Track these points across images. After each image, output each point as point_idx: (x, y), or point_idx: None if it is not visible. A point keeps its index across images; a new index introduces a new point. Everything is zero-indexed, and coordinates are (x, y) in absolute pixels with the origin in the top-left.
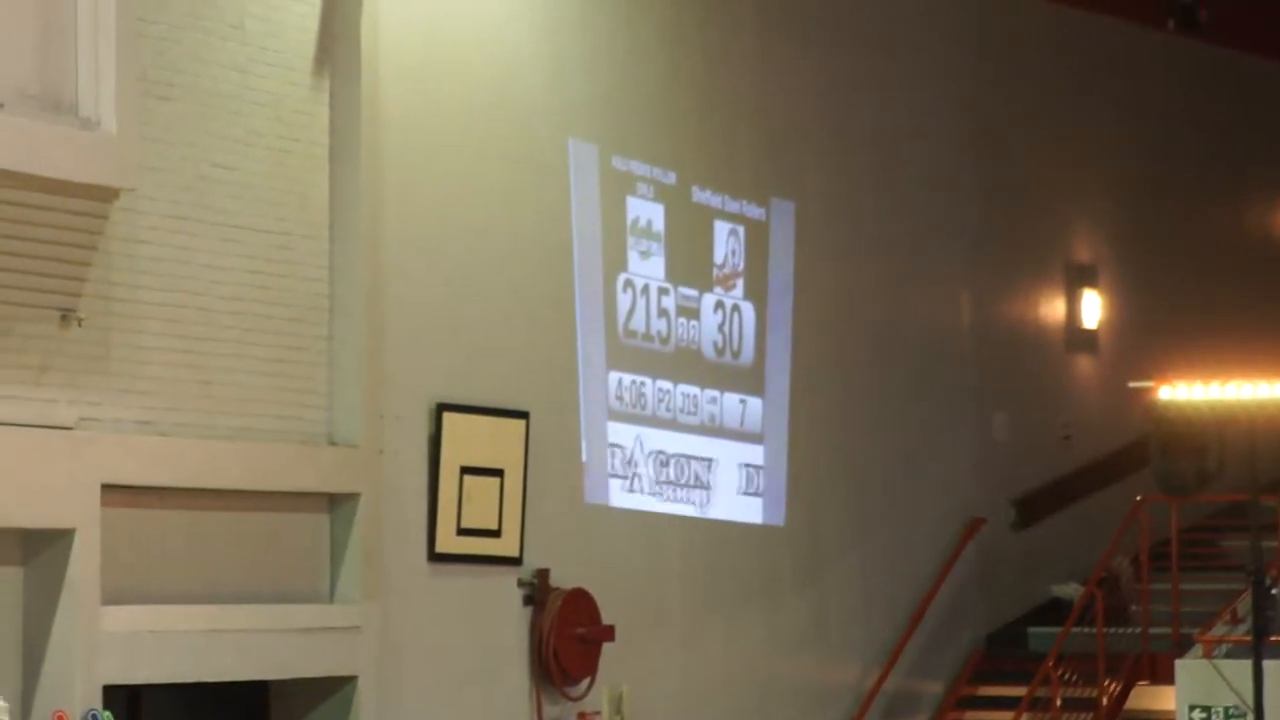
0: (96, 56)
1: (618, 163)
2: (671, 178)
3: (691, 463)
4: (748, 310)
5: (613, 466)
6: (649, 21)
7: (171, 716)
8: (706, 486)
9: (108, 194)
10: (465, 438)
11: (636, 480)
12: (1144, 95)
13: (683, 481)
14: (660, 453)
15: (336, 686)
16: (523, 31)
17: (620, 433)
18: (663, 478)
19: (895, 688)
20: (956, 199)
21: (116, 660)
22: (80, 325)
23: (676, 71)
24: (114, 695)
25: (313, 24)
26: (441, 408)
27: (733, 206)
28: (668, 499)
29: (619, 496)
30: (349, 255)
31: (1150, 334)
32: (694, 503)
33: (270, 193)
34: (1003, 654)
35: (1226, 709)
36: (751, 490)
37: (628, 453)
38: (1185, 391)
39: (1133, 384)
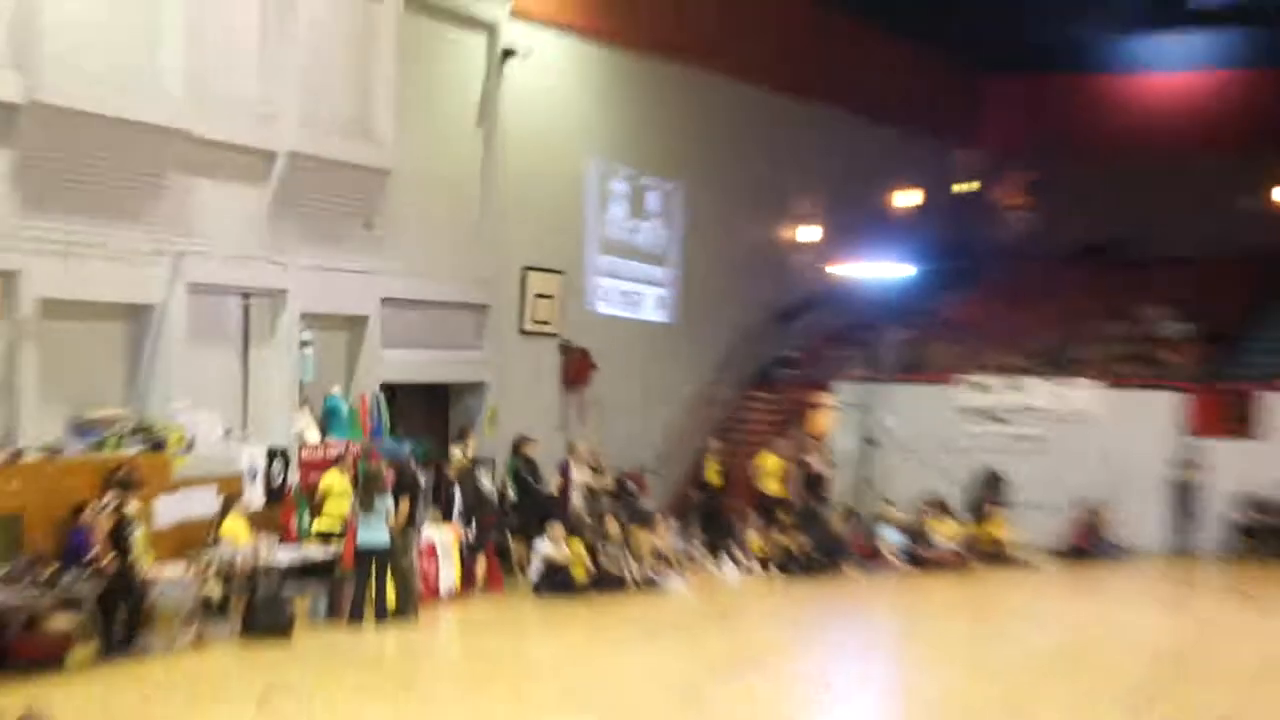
0: (381, 101)
1: (609, 167)
2: (631, 171)
3: (632, 294)
4: (664, 229)
5: (603, 295)
6: (658, 103)
7: (409, 398)
8: (640, 305)
9: (384, 172)
10: (536, 280)
11: (609, 301)
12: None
13: (630, 303)
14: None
15: (478, 387)
16: (581, 107)
17: (605, 281)
18: (622, 301)
19: (717, 392)
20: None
21: (388, 374)
22: (371, 228)
23: (651, 122)
24: (383, 389)
25: (476, 95)
26: (526, 268)
27: (658, 183)
28: (618, 307)
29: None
30: (491, 195)
31: None
32: (632, 310)
33: (464, 158)
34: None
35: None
36: (662, 306)
37: (607, 289)
38: None
39: None
